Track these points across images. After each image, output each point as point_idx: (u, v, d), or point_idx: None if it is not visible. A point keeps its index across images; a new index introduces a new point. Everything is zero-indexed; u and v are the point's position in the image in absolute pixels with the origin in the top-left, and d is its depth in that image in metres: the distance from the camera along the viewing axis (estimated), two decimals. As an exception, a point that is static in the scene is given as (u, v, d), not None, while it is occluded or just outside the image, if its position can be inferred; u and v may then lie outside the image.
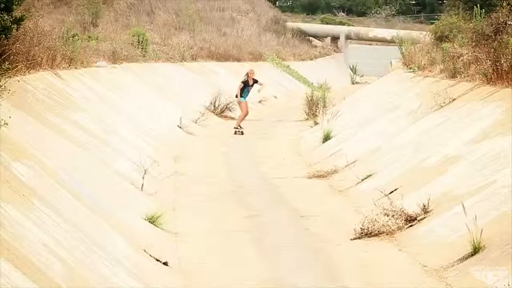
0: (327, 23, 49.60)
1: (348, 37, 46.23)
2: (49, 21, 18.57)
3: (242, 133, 20.03)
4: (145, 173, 11.53)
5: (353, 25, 49.12)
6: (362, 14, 57.27)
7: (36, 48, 13.15)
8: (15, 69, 10.81)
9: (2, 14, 10.30)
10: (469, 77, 14.50)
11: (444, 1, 35.22)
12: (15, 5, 10.71)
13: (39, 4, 24.21)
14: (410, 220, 9.46)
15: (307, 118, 22.32)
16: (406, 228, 9.38)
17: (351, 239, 9.36)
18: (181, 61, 27.04)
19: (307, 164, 15.42)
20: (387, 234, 9.32)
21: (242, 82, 20.50)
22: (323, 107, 21.76)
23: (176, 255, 8.69)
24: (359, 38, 46.83)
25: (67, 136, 10.89)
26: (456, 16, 18.77)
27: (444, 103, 13.86)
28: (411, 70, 19.43)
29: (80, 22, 24.07)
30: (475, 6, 16.49)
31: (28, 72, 12.35)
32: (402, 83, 18.99)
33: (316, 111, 22.05)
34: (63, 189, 8.11)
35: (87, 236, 7.23)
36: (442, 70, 16.70)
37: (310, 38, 46.65)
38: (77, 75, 15.75)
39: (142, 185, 11.30)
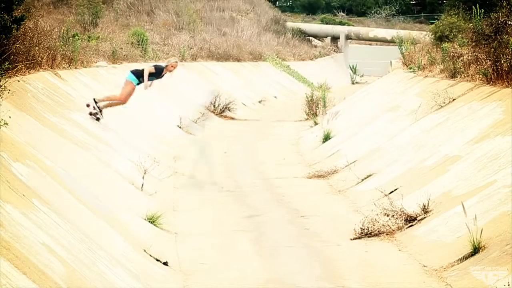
0: (327, 23, 49.61)
1: (348, 37, 46.24)
2: (49, 21, 18.56)
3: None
4: (145, 173, 11.53)
5: (353, 25, 49.13)
6: (362, 14, 57.28)
7: (36, 48, 13.16)
8: (15, 69, 10.82)
9: (2, 14, 10.30)
10: (469, 77, 14.51)
11: (444, 1, 35.23)
12: (15, 5, 10.71)
13: (39, 4, 24.19)
14: (410, 220, 9.46)
15: (307, 118, 22.33)
16: (406, 228, 9.38)
17: (351, 239, 9.37)
18: (181, 61, 27.05)
19: (307, 164, 15.42)
20: (387, 234, 9.33)
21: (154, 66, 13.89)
22: (323, 107, 21.76)
23: (176, 255, 8.69)
24: (359, 38, 46.85)
25: (67, 136, 10.88)
26: (456, 16, 18.78)
27: (444, 103, 13.86)
28: (411, 70, 19.44)
29: (80, 22, 24.08)
30: (474, 6, 16.49)
31: (28, 72, 12.35)
32: (402, 83, 18.99)
33: (316, 111, 22.06)
34: (63, 189, 8.11)
35: (87, 236, 7.23)
36: (442, 70, 16.71)
37: (310, 38, 46.65)
38: (77, 75, 15.76)
39: (142, 185, 11.30)
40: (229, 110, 23.87)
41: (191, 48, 29.30)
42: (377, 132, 15.31)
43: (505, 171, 9.09)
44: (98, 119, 13.31)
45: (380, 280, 7.82)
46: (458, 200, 8.97)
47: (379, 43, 46.17)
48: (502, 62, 12.72)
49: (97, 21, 24.95)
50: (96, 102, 13.35)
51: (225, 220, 10.59)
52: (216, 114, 23.35)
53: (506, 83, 12.51)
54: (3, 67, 9.10)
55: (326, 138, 17.20)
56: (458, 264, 7.73)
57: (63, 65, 15.36)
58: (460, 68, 15.29)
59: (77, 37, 17.41)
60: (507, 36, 13.21)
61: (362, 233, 9.41)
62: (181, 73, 25.69)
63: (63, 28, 17.16)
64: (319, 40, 47.38)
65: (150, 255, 8.22)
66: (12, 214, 6.01)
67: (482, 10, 16.12)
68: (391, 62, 26.08)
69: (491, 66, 13.19)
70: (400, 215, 9.53)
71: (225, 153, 16.94)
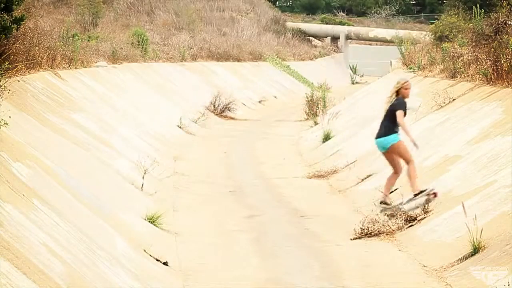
0: (327, 23, 49.59)
1: (348, 37, 46.23)
2: (49, 21, 18.57)
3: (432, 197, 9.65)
4: (145, 173, 11.53)
5: (353, 25, 49.11)
6: (362, 14, 57.25)
7: (36, 48, 13.17)
8: (15, 69, 10.82)
9: (2, 14, 10.30)
10: (469, 77, 14.51)
11: (444, 1, 35.24)
12: (15, 5, 10.71)
13: (39, 4, 24.24)
14: (410, 220, 9.46)
15: (307, 118, 22.32)
16: (406, 228, 9.38)
17: (351, 239, 9.37)
18: (181, 61, 27.06)
19: (307, 164, 15.42)
20: (387, 234, 9.33)
21: (394, 103, 9.91)
22: (323, 107, 21.76)
23: (176, 255, 8.69)
24: (359, 38, 46.82)
25: (67, 136, 10.89)
26: (456, 16, 18.79)
27: (444, 103, 13.86)
28: (411, 70, 19.43)
29: (80, 22, 24.11)
30: (474, 6, 16.50)
31: (28, 72, 12.36)
32: (402, 83, 18.96)
33: (316, 111, 22.06)
34: (63, 189, 8.11)
35: (87, 236, 7.23)
36: (442, 70, 16.71)
37: (310, 38, 46.65)
38: (77, 75, 15.77)
39: (142, 185, 11.30)
40: (229, 110, 23.87)
41: (191, 48, 29.30)
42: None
43: (505, 171, 9.09)
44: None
45: (380, 280, 7.82)
46: (458, 200, 8.97)
47: (379, 43, 46.15)
48: (502, 62, 12.73)
49: (97, 21, 24.97)
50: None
51: (225, 220, 10.59)
52: (216, 114, 23.34)
53: (506, 83, 12.52)
54: (3, 67, 9.10)
55: (326, 138, 17.19)
56: (458, 264, 7.74)
57: (63, 65, 15.37)
58: (460, 68, 15.29)
59: (77, 37, 17.42)
60: (507, 36, 13.22)
61: (362, 233, 9.42)
62: (181, 73, 25.71)
63: (63, 28, 17.17)
64: (319, 40, 47.36)
65: (150, 255, 8.22)
66: (12, 214, 6.01)
67: (482, 10, 16.13)
68: (391, 62, 26.06)
69: (491, 66, 13.19)
70: (400, 215, 9.53)
71: (225, 153, 16.94)
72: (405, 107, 9.83)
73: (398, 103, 9.80)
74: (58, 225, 6.79)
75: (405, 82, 9.96)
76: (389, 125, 9.88)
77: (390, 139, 9.88)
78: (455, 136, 11.80)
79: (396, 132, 9.86)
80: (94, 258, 6.80)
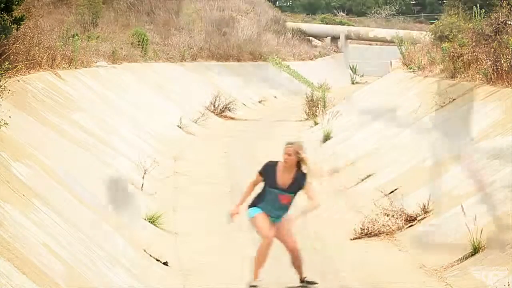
0: (327, 23, 49.58)
1: (348, 37, 46.22)
2: (49, 21, 18.56)
3: None
4: (145, 173, 11.53)
5: (353, 25, 49.11)
6: (362, 14, 57.22)
7: (36, 48, 13.17)
8: (15, 69, 10.82)
9: (2, 14, 10.30)
10: (469, 77, 14.50)
11: (444, 1, 35.23)
12: (15, 5, 10.71)
13: (39, 4, 24.19)
14: (410, 220, 9.47)
15: (307, 118, 22.31)
16: (406, 228, 9.38)
17: (351, 239, 9.37)
18: (181, 61, 27.06)
19: (307, 164, 15.39)
20: (387, 234, 9.33)
21: (259, 173, 8.26)
22: (323, 107, 21.75)
23: (176, 255, 8.69)
24: (359, 38, 46.81)
25: (67, 136, 10.88)
26: (456, 16, 18.79)
27: (444, 103, 13.86)
28: (411, 70, 19.44)
29: (80, 22, 24.09)
30: (474, 6, 16.51)
31: (28, 72, 12.36)
32: (402, 83, 18.99)
33: (316, 111, 22.04)
34: (63, 189, 8.11)
35: (87, 236, 7.24)
36: (442, 70, 16.70)
37: (310, 38, 46.64)
38: (77, 75, 15.76)
39: (142, 185, 11.30)
40: (229, 110, 23.86)
41: (191, 48, 29.29)
42: (377, 132, 15.30)
43: (505, 171, 9.09)
44: None
45: (380, 280, 7.82)
46: (458, 200, 8.97)
47: (379, 43, 46.14)
48: (502, 62, 12.73)
49: (97, 21, 24.96)
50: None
51: (225, 220, 10.56)
52: (216, 114, 23.33)
53: (506, 83, 12.51)
54: (3, 67, 9.10)
55: (326, 138, 17.19)
56: (458, 264, 7.74)
57: (63, 65, 15.37)
58: (460, 68, 15.29)
59: (77, 37, 17.42)
60: (507, 36, 13.22)
61: (362, 233, 9.42)
62: (181, 73, 25.70)
63: (63, 28, 17.18)
64: (319, 40, 47.35)
65: (150, 255, 8.22)
66: (12, 214, 6.01)
67: (482, 10, 16.13)
68: (391, 62, 26.08)
69: (491, 66, 13.19)
70: (400, 215, 9.54)
71: (225, 153, 16.93)
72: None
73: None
74: (58, 225, 6.79)
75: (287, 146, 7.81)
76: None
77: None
78: (455, 136, 11.79)
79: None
80: (94, 258, 6.80)
